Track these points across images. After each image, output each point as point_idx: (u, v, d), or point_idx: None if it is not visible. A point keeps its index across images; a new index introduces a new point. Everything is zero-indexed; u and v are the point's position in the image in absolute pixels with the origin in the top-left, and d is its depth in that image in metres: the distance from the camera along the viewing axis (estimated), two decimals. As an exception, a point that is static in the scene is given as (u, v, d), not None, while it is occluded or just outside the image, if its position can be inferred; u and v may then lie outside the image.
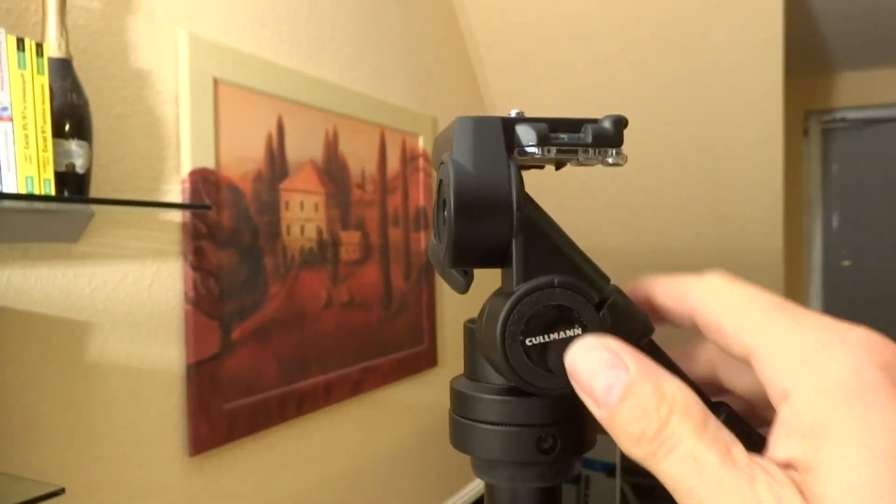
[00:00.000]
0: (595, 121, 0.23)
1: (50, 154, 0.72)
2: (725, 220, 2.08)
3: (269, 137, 1.19)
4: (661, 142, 1.94)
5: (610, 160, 0.23)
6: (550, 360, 0.22)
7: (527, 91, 1.99)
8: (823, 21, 2.17)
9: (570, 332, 0.22)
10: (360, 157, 1.44)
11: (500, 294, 0.23)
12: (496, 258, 0.22)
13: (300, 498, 1.25)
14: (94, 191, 0.87)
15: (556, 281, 0.22)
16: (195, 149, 1.02)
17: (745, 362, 0.21)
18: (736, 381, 0.25)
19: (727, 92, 1.82)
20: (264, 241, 1.18)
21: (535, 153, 0.22)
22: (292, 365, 1.24)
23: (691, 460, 0.19)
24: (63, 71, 0.76)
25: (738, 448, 0.19)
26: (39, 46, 0.72)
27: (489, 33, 1.90)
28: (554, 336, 0.22)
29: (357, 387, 1.41)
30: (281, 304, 1.21)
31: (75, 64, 0.83)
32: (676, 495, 0.19)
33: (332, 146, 1.35)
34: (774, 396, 0.20)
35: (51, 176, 0.72)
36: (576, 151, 0.22)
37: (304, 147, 1.27)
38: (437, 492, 1.71)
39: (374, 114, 1.48)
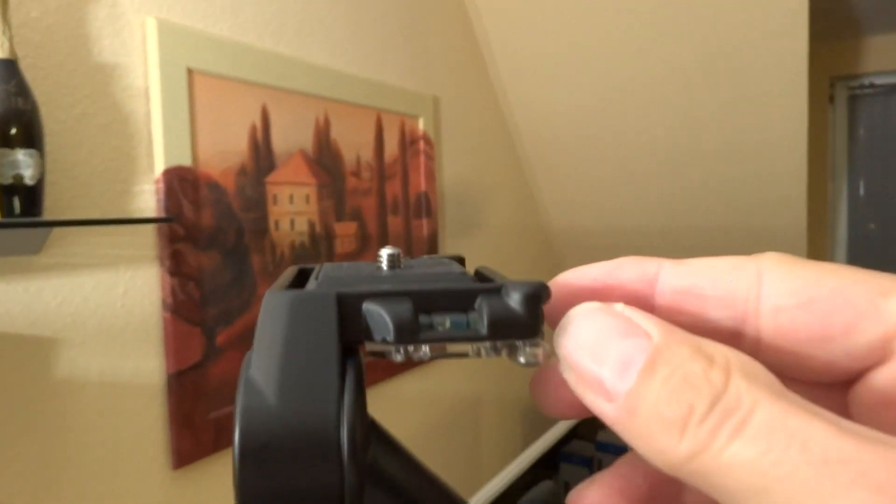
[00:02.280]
0: (495, 291, 0.15)
1: (-7, 166, 0.66)
2: (746, 195, 1.99)
3: (253, 128, 1.12)
4: (677, 113, 1.84)
5: (522, 359, 0.15)
6: None
7: (536, 67, 1.89)
8: (852, -18, 2.04)
9: None
10: (354, 144, 1.36)
11: None
12: None
13: None
14: (56, 196, 0.81)
15: None
16: (169, 146, 0.95)
17: (880, 350, 0.14)
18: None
19: (750, 58, 1.71)
20: (250, 238, 1.12)
21: (392, 355, 0.15)
22: (284, 366, 1.19)
23: (781, 432, 0.12)
24: (6, 73, 0.70)
25: (844, 420, 0.13)
26: (-23, 48, 0.66)
27: (493, 2, 1.80)
28: None
29: (356, 383, 1.36)
30: (270, 303, 1.16)
31: (27, 62, 0.77)
32: (761, 499, 0.12)
33: (323, 133, 1.28)
34: None
35: (-5, 191, 0.67)
36: (465, 353, 0.15)
37: (292, 136, 1.20)
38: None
39: (369, 96, 1.40)
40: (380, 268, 0.18)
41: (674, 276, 0.17)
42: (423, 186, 1.58)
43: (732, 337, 0.17)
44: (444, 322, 0.15)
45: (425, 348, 0.15)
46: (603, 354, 0.14)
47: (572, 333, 0.15)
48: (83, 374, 0.86)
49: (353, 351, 0.15)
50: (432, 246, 1.59)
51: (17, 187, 0.70)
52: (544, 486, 0.21)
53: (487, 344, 0.15)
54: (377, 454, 0.15)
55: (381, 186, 1.45)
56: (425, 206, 1.58)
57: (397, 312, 0.15)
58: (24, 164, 0.69)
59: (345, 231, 1.34)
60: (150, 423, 0.94)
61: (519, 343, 0.15)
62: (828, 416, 0.13)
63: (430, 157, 1.59)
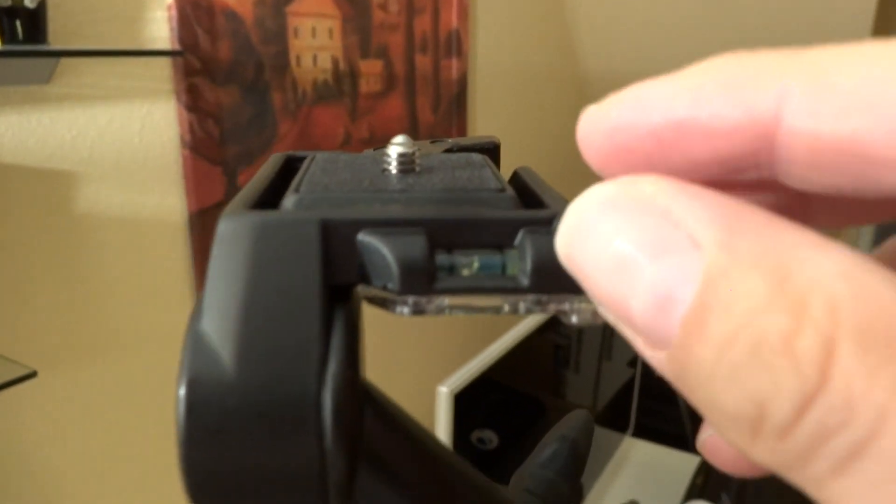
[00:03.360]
0: (544, 223, 0.11)
1: (-12, -14, 0.61)
2: (798, 45, 1.84)
3: (272, -50, 1.02)
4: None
5: (574, 318, 0.11)
6: None
7: None
8: None
9: None
10: (382, -28, 1.26)
11: None
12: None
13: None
14: (61, 21, 0.76)
15: None
16: (180, -32, 0.88)
17: None
18: None
19: None
20: (270, 74, 1.06)
21: (396, 307, 0.11)
22: (307, 208, 1.18)
23: None
24: None
25: None
26: None
27: None
28: None
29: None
30: (292, 143, 1.12)
31: None
32: None
33: (348, -41, 1.17)
34: None
35: (-8, 13, 0.62)
36: (498, 307, 0.11)
37: (314, -39, 1.10)
38: (469, 343, 1.72)
39: (399, -83, 1.27)
40: (387, 171, 0.14)
41: (810, 116, 0.09)
42: (454, 23, 1.47)
43: None
44: (471, 263, 0.11)
45: (444, 300, 0.11)
46: (629, 279, 0.09)
47: (575, 245, 0.10)
48: (104, 210, 0.85)
49: (343, 295, 0.11)
50: (461, 90, 1.52)
51: (17, 10, 0.65)
52: (578, 416, 0.18)
53: (529, 297, 0.11)
54: (372, 432, 0.12)
55: (410, 22, 1.36)
56: (456, 46, 1.49)
57: (405, 251, 0.11)
58: (21, -17, 0.64)
59: (370, 69, 1.27)
60: (174, 258, 0.95)
61: (573, 298, 0.11)
62: None
63: (463, -9, 1.47)
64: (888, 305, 0.08)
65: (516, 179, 0.15)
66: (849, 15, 1.72)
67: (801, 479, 0.08)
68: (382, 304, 0.11)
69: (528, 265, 0.11)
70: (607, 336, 2.25)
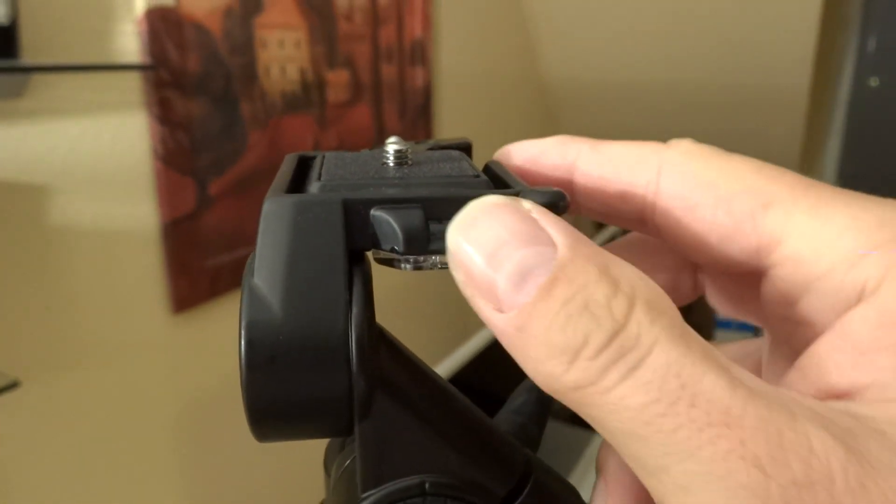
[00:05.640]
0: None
1: (-37, 3, 0.62)
2: (749, 49, 1.91)
3: (238, -36, 1.04)
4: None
5: None
6: None
7: None
8: None
9: None
10: (346, -16, 1.28)
11: (349, 487, 0.16)
12: (335, 429, 0.15)
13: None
14: (32, 36, 0.77)
15: (427, 485, 0.15)
16: (149, -18, 0.89)
17: (756, 259, 0.15)
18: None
19: None
20: (239, 85, 1.08)
21: (400, 264, 0.14)
22: (278, 216, 1.19)
23: (673, 382, 0.12)
24: None
25: (743, 371, 0.12)
26: None
27: None
28: None
29: (349, 234, 1.37)
30: (262, 153, 1.14)
31: None
32: (640, 447, 0.12)
33: (313, -28, 1.20)
34: (830, 303, 0.13)
35: (-33, 30, 0.63)
36: None
37: (280, -26, 1.13)
38: (441, 345, 1.74)
39: (362, -70, 1.30)
40: (386, 164, 0.17)
41: (587, 164, 0.17)
42: (418, 33, 1.51)
43: (637, 226, 0.17)
44: None
45: (436, 258, 0.14)
46: (501, 259, 0.13)
47: (469, 229, 0.13)
48: (77, 223, 0.86)
49: (359, 258, 0.14)
50: (427, 98, 1.55)
51: (-10, 26, 0.66)
52: None
53: None
54: (386, 364, 0.15)
55: (375, 32, 1.39)
56: (420, 55, 1.52)
57: (407, 221, 0.14)
58: (-5, 0, 0.65)
59: (337, 79, 1.29)
60: (147, 269, 0.96)
61: None
62: (723, 364, 0.12)
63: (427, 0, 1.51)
64: (660, 292, 0.13)
65: (487, 169, 0.18)
66: (796, 20, 1.80)
67: (593, 389, 0.12)
68: (390, 263, 0.14)
69: None
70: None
